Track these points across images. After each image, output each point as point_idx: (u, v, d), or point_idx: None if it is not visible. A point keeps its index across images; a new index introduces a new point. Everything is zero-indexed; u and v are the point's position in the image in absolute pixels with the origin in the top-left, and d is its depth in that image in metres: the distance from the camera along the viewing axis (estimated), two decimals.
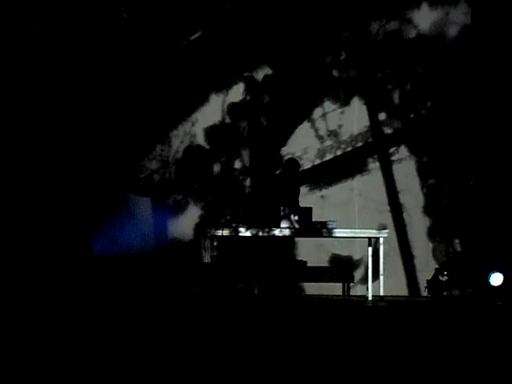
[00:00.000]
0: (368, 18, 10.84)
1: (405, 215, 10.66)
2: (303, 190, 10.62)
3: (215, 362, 5.29)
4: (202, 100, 10.89)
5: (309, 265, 10.58)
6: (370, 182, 10.71)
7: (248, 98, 10.92)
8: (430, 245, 10.61)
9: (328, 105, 10.83)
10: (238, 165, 10.83)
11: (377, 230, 9.88)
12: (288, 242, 9.87)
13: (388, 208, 10.69)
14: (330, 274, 10.63)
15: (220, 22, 10.87)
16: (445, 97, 10.73)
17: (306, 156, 10.69)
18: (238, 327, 7.02)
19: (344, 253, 10.62)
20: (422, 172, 10.73)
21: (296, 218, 9.44)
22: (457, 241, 10.60)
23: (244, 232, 9.57)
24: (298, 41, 10.82)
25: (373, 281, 9.70)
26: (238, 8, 10.86)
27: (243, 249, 10.44)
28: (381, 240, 9.62)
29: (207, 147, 10.89)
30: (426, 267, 10.43)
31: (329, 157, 10.78)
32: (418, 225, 10.57)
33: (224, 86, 10.88)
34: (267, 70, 10.88)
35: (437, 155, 10.69)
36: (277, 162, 10.73)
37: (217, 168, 10.85)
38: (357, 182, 10.69)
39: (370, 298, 9.61)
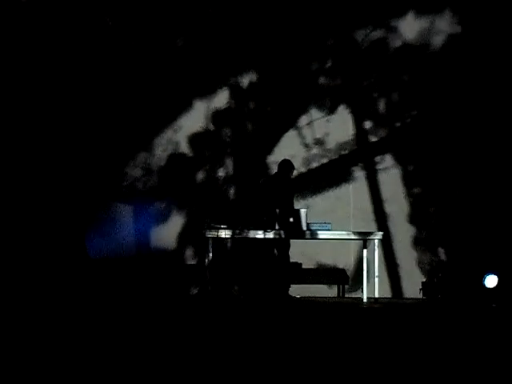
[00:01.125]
0: (354, 26, 10.84)
1: (390, 223, 10.65)
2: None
3: (210, 365, 5.29)
4: (186, 106, 10.79)
5: (304, 267, 10.59)
6: (355, 190, 10.70)
7: (233, 104, 10.85)
8: (415, 253, 10.61)
9: (314, 113, 10.82)
10: (222, 172, 10.77)
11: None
12: (283, 244, 9.87)
13: (373, 217, 10.68)
14: (325, 276, 10.64)
15: (204, 27, 10.78)
16: (430, 105, 10.76)
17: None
18: (232, 330, 7.02)
19: (339, 255, 10.63)
20: (408, 180, 10.74)
21: (291, 219, 9.45)
22: (442, 250, 10.61)
23: (238, 234, 9.58)
24: (283, 48, 10.78)
25: (367, 283, 9.70)
26: (222, 14, 10.78)
27: (238, 251, 10.44)
28: (376, 242, 9.63)
29: (191, 154, 10.81)
30: (411, 274, 10.47)
31: (314, 165, 10.75)
32: (403, 232, 10.52)
33: (208, 93, 10.81)
34: (252, 77, 10.84)
35: (422, 164, 10.71)
36: (262, 169, 10.71)
37: (201, 175, 10.77)
38: (342, 191, 10.66)
39: (364, 300, 9.62)
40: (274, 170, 10.44)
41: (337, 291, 10.65)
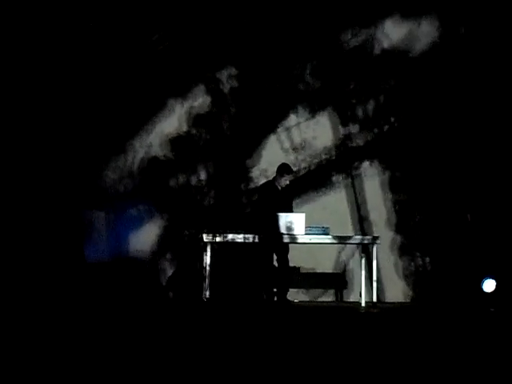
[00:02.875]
0: (337, 28, 10.77)
1: (368, 228, 10.63)
2: None
3: (208, 370, 5.29)
4: (162, 106, 10.68)
5: (302, 271, 10.59)
6: (335, 195, 10.64)
7: (212, 107, 10.75)
8: (398, 259, 10.59)
9: (295, 117, 10.77)
10: (202, 176, 10.70)
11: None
12: (281, 248, 9.86)
13: (351, 221, 10.65)
14: (323, 280, 10.64)
15: (182, 27, 10.64)
16: (413, 110, 10.72)
17: (271, 169, 10.56)
18: (230, 335, 7.01)
19: (337, 259, 10.63)
20: (389, 186, 10.71)
21: (290, 223, 9.44)
22: (427, 259, 10.61)
23: (236, 239, 9.58)
24: (264, 52, 10.70)
25: (366, 287, 9.69)
26: (201, 11, 10.64)
27: (235, 255, 10.44)
28: (374, 247, 9.62)
29: (169, 157, 10.71)
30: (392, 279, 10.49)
31: (294, 169, 10.68)
32: (384, 238, 10.41)
33: (187, 96, 10.71)
34: (234, 83, 10.75)
35: (404, 170, 10.69)
36: (242, 173, 10.68)
37: (180, 179, 10.69)
38: (322, 196, 10.60)
39: (363, 305, 9.61)
40: (254, 173, 10.52)
41: (334, 296, 10.65)
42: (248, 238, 9.47)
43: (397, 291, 10.47)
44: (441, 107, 10.66)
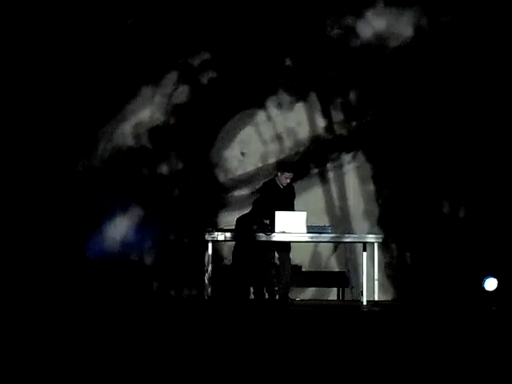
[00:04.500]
0: (317, 20, 10.67)
1: (345, 219, 10.60)
2: (244, 192, 10.61)
3: (210, 368, 5.28)
4: (133, 94, 10.53)
5: (303, 269, 10.59)
6: (310, 187, 10.58)
7: (188, 97, 10.62)
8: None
9: (272, 108, 10.71)
10: (178, 166, 10.63)
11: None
12: (283, 247, 9.86)
13: (328, 213, 10.62)
14: (325, 278, 10.64)
15: (155, 12, 10.51)
16: (395, 101, 10.66)
17: (248, 160, 10.63)
18: (232, 333, 7.01)
19: (338, 257, 10.64)
20: (366, 178, 10.68)
21: (290, 222, 9.43)
22: (407, 253, 10.61)
23: (238, 237, 9.59)
24: (242, 41, 10.60)
25: (367, 286, 9.69)
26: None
27: (238, 253, 10.44)
28: (375, 245, 9.62)
29: (142, 146, 10.60)
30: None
31: (271, 161, 10.68)
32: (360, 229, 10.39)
33: (160, 84, 10.58)
34: (212, 74, 10.66)
35: (380, 163, 10.67)
36: (217, 164, 10.64)
37: (155, 168, 10.62)
38: (298, 187, 10.49)
39: (364, 303, 9.61)
40: (229, 165, 10.56)
41: (336, 294, 10.65)
42: (249, 237, 9.48)
43: (389, 290, 10.45)
44: (424, 98, 10.60)
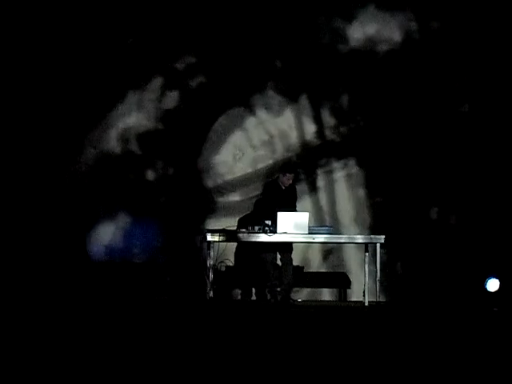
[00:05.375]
0: (307, 25, 10.62)
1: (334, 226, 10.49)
2: (235, 198, 10.58)
3: (212, 369, 5.28)
4: (119, 99, 10.46)
5: (305, 270, 10.59)
6: (300, 192, 10.34)
7: (179, 104, 10.56)
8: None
9: (262, 114, 10.67)
10: (167, 171, 10.59)
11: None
12: (285, 247, 9.86)
13: (317, 220, 10.51)
14: (327, 279, 10.64)
15: (142, 19, 10.45)
16: (385, 106, 10.65)
17: (238, 164, 10.61)
18: (233, 334, 7.01)
19: (340, 258, 10.64)
20: (357, 185, 10.67)
21: (293, 222, 9.42)
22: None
23: (240, 238, 9.58)
24: (231, 44, 10.54)
25: (369, 286, 9.68)
26: (163, 3, 10.49)
27: (239, 253, 10.44)
28: (378, 246, 9.61)
29: (128, 151, 10.52)
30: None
31: (261, 166, 10.66)
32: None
33: (146, 89, 10.51)
34: (202, 79, 10.60)
35: (372, 169, 10.65)
36: (208, 169, 10.60)
37: (133, 175, 10.54)
38: None
39: (366, 304, 9.60)
40: (219, 170, 10.52)
41: (338, 295, 10.65)
42: (251, 237, 9.48)
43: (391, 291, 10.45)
44: (414, 103, 10.61)
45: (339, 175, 10.67)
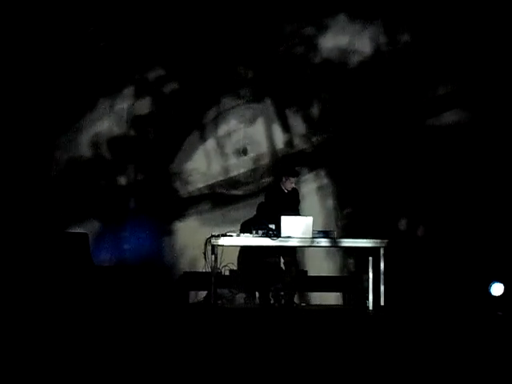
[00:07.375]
0: (277, 33, 10.68)
1: None
2: (204, 207, 10.58)
3: (214, 373, 5.27)
4: (90, 106, 10.45)
5: (309, 274, 10.58)
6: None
7: (148, 110, 10.56)
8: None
9: (234, 123, 10.68)
10: (137, 177, 10.56)
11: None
12: (289, 251, 9.85)
13: None
14: (331, 283, 10.63)
15: (114, 27, 10.48)
16: (355, 117, 10.72)
17: (209, 172, 10.61)
18: (237, 337, 7.01)
19: (344, 262, 10.63)
20: (327, 195, 10.69)
21: (296, 226, 9.40)
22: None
23: (243, 242, 9.57)
24: (202, 54, 10.59)
25: (373, 291, 9.67)
26: (133, 13, 10.50)
27: (243, 258, 10.43)
28: (381, 250, 9.59)
29: (98, 158, 10.50)
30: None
31: (232, 174, 10.65)
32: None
33: (117, 97, 10.51)
34: (174, 85, 10.59)
35: (341, 179, 10.72)
36: (179, 177, 10.61)
37: (105, 181, 10.52)
38: (256, 201, 10.41)
39: (370, 308, 9.59)
40: (194, 177, 10.53)
41: (342, 299, 10.64)
42: (255, 241, 9.47)
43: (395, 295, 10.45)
44: (384, 114, 10.71)
45: (309, 185, 10.68)
